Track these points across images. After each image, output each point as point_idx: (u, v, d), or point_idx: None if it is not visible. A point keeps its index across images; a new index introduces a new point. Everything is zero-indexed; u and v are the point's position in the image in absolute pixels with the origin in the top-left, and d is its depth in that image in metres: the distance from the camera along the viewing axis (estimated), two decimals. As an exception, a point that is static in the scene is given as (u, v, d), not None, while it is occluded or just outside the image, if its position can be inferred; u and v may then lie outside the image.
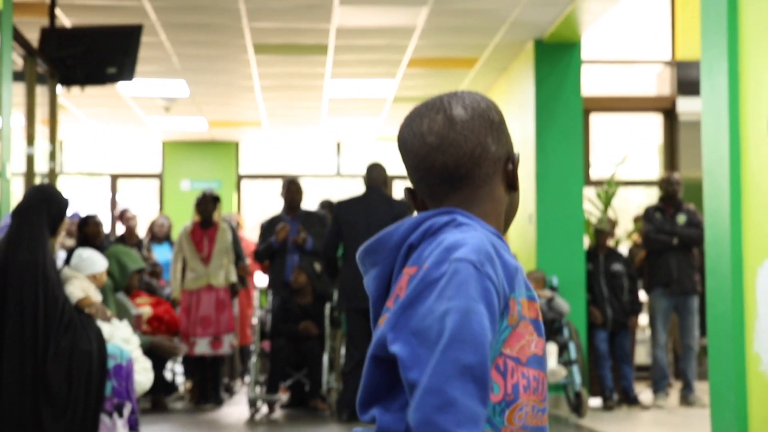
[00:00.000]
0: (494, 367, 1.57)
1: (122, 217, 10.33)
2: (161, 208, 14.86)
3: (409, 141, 1.67)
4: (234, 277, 9.19)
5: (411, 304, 1.54)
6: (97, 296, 6.26)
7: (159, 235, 10.57)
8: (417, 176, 1.68)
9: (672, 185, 9.15)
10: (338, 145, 15.27)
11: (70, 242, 9.21)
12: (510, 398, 1.58)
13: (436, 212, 1.64)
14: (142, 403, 7.77)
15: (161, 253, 10.42)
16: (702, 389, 9.34)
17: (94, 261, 6.40)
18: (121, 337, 5.93)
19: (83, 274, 6.30)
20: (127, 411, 5.55)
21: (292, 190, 9.01)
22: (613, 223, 10.03)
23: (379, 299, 1.66)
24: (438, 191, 1.67)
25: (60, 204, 5.54)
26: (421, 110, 1.69)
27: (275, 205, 11.97)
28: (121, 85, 10.34)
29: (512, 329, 1.58)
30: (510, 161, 1.70)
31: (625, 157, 11.15)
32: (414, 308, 1.54)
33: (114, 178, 15.52)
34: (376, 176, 8.04)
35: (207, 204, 9.24)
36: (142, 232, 11.37)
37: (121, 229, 10.38)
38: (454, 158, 1.64)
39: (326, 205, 10.44)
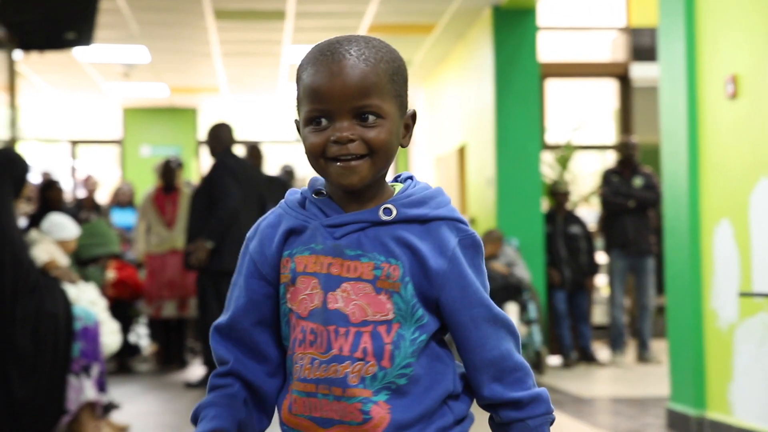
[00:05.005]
0: (287, 322, 1.72)
1: (86, 182, 10.35)
2: (122, 174, 14.83)
3: None
4: None
5: None
6: (63, 260, 6.29)
7: (122, 201, 10.62)
8: None
9: (629, 149, 9.31)
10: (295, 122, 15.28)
11: (29, 208, 9.20)
12: (291, 352, 1.71)
13: None
14: (108, 365, 7.82)
15: (124, 218, 10.46)
16: (656, 347, 9.56)
17: (65, 227, 6.40)
18: (87, 300, 5.96)
19: (51, 238, 6.32)
20: (95, 372, 5.60)
21: (253, 155, 9.05)
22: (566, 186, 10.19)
23: None
24: None
25: (22, 167, 5.55)
26: None
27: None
28: (79, 51, 10.29)
29: (289, 286, 1.71)
30: None
31: (581, 125, 11.30)
32: None
33: (73, 144, 15.46)
34: (230, 137, 7.66)
35: (171, 170, 9.30)
36: (102, 197, 11.39)
37: (82, 194, 10.39)
38: None
39: (288, 170, 10.51)
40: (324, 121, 1.66)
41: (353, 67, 1.65)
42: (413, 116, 1.75)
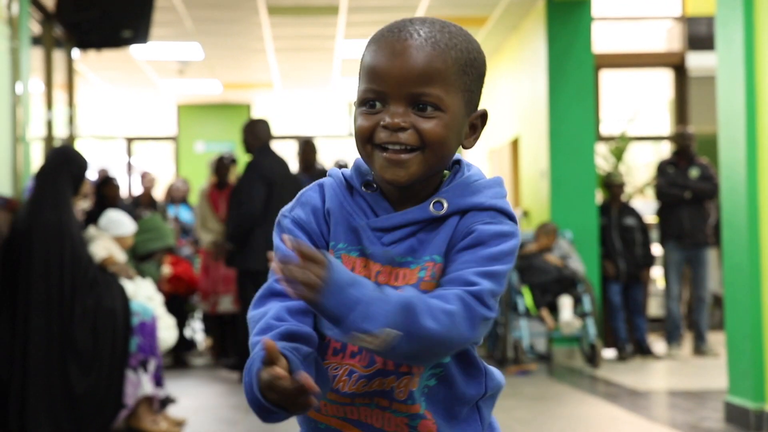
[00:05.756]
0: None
1: (143, 179, 10.48)
2: (177, 171, 14.98)
3: None
4: None
5: None
6: (120, 256, 6.35)
7: (176, 198, 10.71)
8: None
9: (685, 139, 9.22)
10: (350, 105, 15.34)
11: (86, 204, 9.32)
12: (321, 356, 1.54)
13: None
14: (164, 360, 7.90)
15: (177, 215, 10.56)
16: (713, 340, 9.46)
17: (122, 223, 6.47)
18: (144, 295, 6.02)
19: (108, 235, 6.39)
20: (152, 367, 5.66)
21: (306, 150, 9.08)
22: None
23: None
24: None
25: (81, 165, 5.62)
26: None
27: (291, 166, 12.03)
28: (135, 49, 10.39)
29: None
30: None
31: (636, 116, 11.20)
32: None
33: (129, 141, 15.64)
34: (267, 133, 7.63)
35: (224, 166, 9.36)
36: (158, 193, 11.51)
37: (138, 191, 10.52)
38: None
39: (342, 165, 10.56)
40: (378, 105, 1.50)
41: (418, 49, 1.48)
42: (483, 116, 1.56)
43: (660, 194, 9.29)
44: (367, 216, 1.54)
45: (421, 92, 1.48)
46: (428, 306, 1.42)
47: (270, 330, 1.47)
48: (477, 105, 1.56)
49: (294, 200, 1.59)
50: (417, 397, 1.53)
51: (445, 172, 1.58)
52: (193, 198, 11.53)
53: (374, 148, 1.50)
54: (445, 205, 1.51)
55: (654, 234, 9.71)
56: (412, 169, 1.49)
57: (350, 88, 14.14)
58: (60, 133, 8.31)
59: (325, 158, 10.93)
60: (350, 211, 1.54)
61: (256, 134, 7.58)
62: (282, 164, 7.63)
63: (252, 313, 1.53)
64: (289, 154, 14.39)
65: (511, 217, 1.54)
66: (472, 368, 1.58)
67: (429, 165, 1.50)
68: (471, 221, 1.51)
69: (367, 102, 1.51)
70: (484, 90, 1.58)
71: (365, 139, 1.51)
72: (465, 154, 14.85)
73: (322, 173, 9.06)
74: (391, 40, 1.49)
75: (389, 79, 1.48)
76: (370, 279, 1.50)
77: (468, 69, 1.51)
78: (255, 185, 7.40)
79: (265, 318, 1.50)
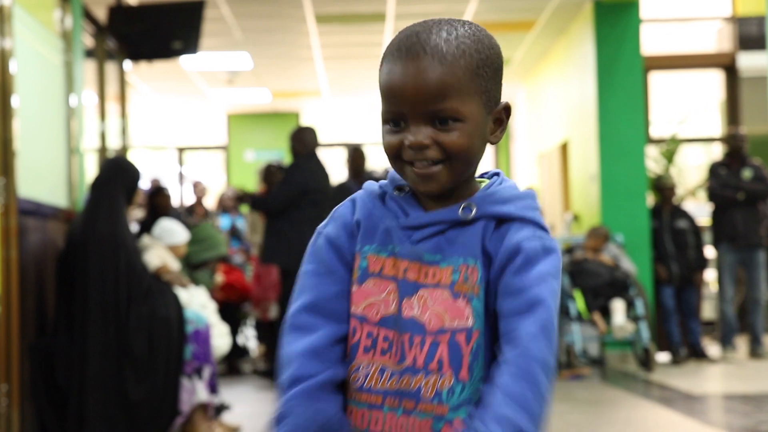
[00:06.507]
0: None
1: (195, 188, 10.58)
2: (228, 179, 15.10)
3: None
4: None
5: None
6: (174, 265, 6.41)
7: (227, 207, 10.80)
8: None
9: (737, 140, 9.14)
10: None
11: (140, 213, 9.42)
12: (349, 357, 1.57)
13: None
14: (218, 367, 7.97)
15: (229, 223, 10.64)
16: (770, 343, 9.36)
17: (175, 232, 6.52)
18: (198, 303, 6.08)
19: (162, 244, 6.45)
20: (206, 374, 5.71)
21: (355, 157, 9.12)
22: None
23: None
24: None
25: (134, 175, 5.69)
26: None
27: (339, 173, 12.09)
28: (185, 59, 10.50)
29: (355, 285, 1.58)
30: None
31: (686, 117, 11.12)
32: None
33: (180, 150, 15.79)
34: (314, 141, 7.79)
35: (272, 173, 9.42)
36: (209, 203, 11.61)
37: (190, 200, 10.62)
38: None
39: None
40: (401, 123, 1.53)
41: (427, 69, 1.50)
42: (506, 109, 1.58)
43: (712, 196, 9.22)
44: (398, 217, 1.58)
45: (436, 109, 1.51)
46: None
47: (300, 381, 1.54)
48: (498, 100, 1.58)
49: (329, 216, 1.65)
50: (445, 398, 1.52)
51: (484, 180, 1.61)
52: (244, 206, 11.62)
53: (404, 163, 1.55)
54: (474, 210, 1.55)
55: (707, 236, 9.64)
56: (442, 179, 1.54)
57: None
58: (113, 143, 8.41)
59: (374, 165, 10.94)
60: (381, 215, 1.59)
61: (304, 142, 7.71)
62: (323, 174, 7.75)
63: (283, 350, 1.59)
64: (338, 161, 14.46)
65: (545, 231, 1.56)
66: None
67: (457, 173, 1.55)
68: (516, 238, 1.54)
69: (389, 121, 1.55)
70: (503, 82, 1.59)
71: (394, 156, 1.55)
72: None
73: (373, 179, 9.08)
74: (401, 59, 1.52)
75: (404, 102, 1.52)
76: (398, 276, 1.55)
77: (480, 71, 1.53)
78: (286, 186, 7.59)
79: (293, 369, 1.55)
